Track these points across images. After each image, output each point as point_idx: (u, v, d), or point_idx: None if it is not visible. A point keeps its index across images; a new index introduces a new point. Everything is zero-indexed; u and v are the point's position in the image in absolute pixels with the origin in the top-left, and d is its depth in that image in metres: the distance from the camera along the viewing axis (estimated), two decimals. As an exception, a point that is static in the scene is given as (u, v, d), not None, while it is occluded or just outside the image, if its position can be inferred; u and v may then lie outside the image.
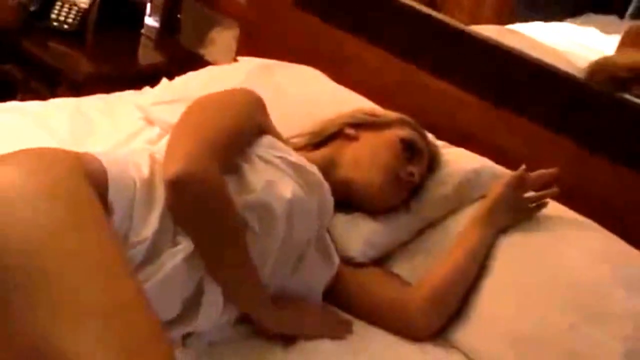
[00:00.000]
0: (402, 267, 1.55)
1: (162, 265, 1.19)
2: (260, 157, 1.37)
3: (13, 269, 1.02)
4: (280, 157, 1.39)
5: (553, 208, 1.58)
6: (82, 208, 1.09)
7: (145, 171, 1.26)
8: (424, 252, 1.56)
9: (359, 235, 1.53)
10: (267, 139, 1.43)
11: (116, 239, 1.12)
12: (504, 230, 1.52)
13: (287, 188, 1.34)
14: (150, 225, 1.20)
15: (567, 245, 1.50)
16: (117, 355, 0.98)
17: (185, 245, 1.21)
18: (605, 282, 1.41)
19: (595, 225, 1.55)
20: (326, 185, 1.44)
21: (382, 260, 1.56)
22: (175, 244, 1.21)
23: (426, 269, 1.50)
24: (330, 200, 1.45)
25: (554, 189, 1.56)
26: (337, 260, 1.47)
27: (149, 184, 1.25)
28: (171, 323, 1.22)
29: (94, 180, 1.16)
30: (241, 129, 1.39)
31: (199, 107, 1.40)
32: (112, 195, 1.18)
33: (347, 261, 1.51)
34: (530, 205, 1.56)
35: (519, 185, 1.54)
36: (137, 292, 1.06)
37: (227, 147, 1.31)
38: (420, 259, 1.55)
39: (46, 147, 1.25)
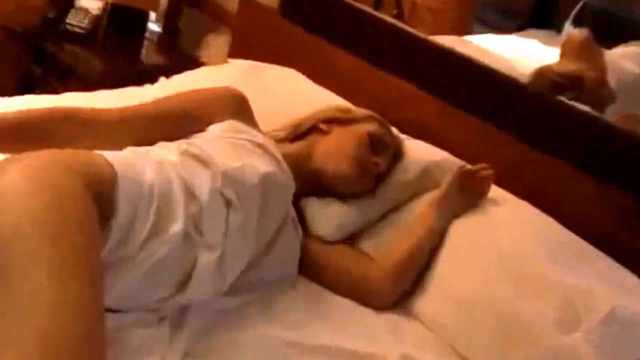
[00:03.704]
0: (368, 244, 1.55)
1: (154, 252, 1.13)
2: (225, 138, 1.35)
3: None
4: (246, 139, 1.37)
5: (499, 195, 1.59)
6: (66, 209, 0.99)
7: (165, 167, 1.21)
8: (387, 232, 1.55)
9: (331, 218, 1.53)
10: (232, 125, 1.40)
11: (89, 240, 1.01)
12: (457, 214, 1.51)
13: (259, 164, 1.33)
14: (150, 219, 1.14)
15: (509, 225, 1.50)
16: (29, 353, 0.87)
17: (176, 231, 1.16)
18: (539, 258, 1.42)
19: (534, 209, 1.55)
20: (284, 164, 1.41)
21: (351, 238, 1.55)
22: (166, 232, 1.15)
23: (386, 249, 1.50)
24: (291, 176, 1.42)
25: (490, 172, 1.55)
26: (301, 232, 1.45)
27: (165, 181, 1.19)
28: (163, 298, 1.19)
29: (97, 180, 1.09)
30: (181, 111, 1.41)
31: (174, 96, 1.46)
32: (119, 193, 1.11)
33: (318, 239, 1.51)
34: (476, 191, 1.55)
35: (464, 175, 1.53)
36: (81, 294, 0.95)
37: (147, 116, 1.37)
38: (384, 237, 1.54)
39: (54, 151, 1.14)
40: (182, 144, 1.33)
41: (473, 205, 1.54)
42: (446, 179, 1.55)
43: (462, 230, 1.50)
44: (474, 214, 1.53)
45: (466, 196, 1.54)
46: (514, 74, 1.74)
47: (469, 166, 1.56)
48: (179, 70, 2.00)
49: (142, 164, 1.20)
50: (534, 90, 1.70)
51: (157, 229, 1.15)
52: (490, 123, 1.70)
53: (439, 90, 1.77)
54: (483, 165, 1.56)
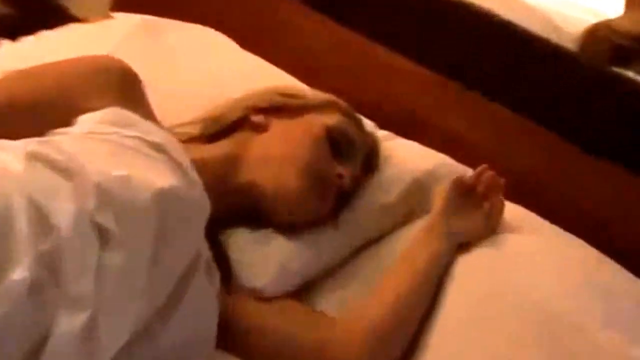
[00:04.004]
0: (328, 301, 1.58)
1: None
2: (102, 134, 1.37)
3: None
4: (135, 137, 1.38)
5: (523, 217, 1.65)
6: None
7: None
8: (357, 281, 1.59)
9: (270, 259, 1.55)
10: (114, 115, 1.41)
11: None
12: (462, 244, 1.58)
13: (155, 174, 1.33)
14: None
15: (537, 265, 1.55)
16: None
17: (18, 280, 1.16)
18: (587, 316, 1.45)
19: (575, 239, 1.61)
20: (195, 176, 1.43)
21: (301, 291, 1.58)
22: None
23: (359, 302, 1.52)
24: (205, 196, 1.42)
25: (490, 174, 1.61)
26: (217, 278, 1.44)
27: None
28: None
29: None
30: (33, 101, 1.44)
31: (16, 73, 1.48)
32: None
33: (251, 293, 1.54)
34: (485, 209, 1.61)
35: (463, 188, 1.60)
36: None
37: None
38: (352, 289, 1.58)
39: None
40: (30, 143, 1.32)
41: (486, 231, 1.60)
42: (436, 200, 1.61)
43: (467, 272, 1.55)
44: (483, 247, 1.58)
45: (473, 218, 1.60)
46: (555, 35, 1.78)
47: (470, 172, 1.63)
48: (34, 28, 2.02)
49: None
50: (587, 61, 1.75)
51: None
52: (518, 110, 1.76)
53: (438, 62, 1.82)
54: (483, 166, 1.61)
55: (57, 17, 2.29)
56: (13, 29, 2.05)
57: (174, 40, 2.00)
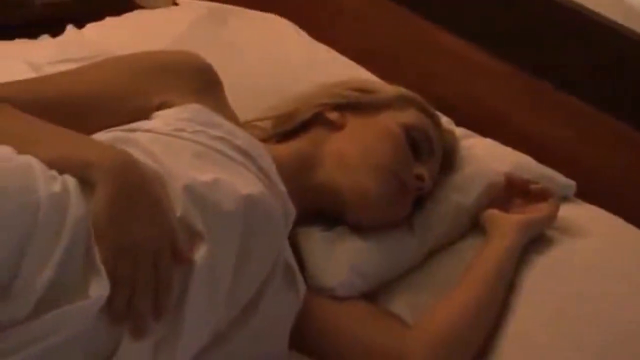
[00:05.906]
0: (402, 304, 1.58)
1: (53, 329, 1.11)
2: (182, 132, 1.36)
3: None
4: (220, 138, 1.38)
5: (598, 215, 1.66)
6: None
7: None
8: (433, 284, 1.59)
9: (343, 259, 1.55)
10: (196, 113, 1.41)
11: None
12: (533, 243, 1.58)
13: (240, 180, 1.33)
14: (48, 266, 1.12)
15: (617, 272, 1.55)
16: None
17: (98, 294, 1.13)
18: None
19: None
20: (279, 181, 1.43)
21: (374, 294, 1.58)
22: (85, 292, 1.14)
23: (429, 309, 1.52)
24: (289, 202, 1.43)
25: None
26: (303, 286, 1.45)
27: (62, 199, 1.18)
28: None
29: None
30: (105, 96, 1.44)
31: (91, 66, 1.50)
32: None
33: (323, 293, 1.53)
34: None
35: (516, 187, 1.64)
36: None
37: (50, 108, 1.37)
38: (427, 292, 1.58)
39: None
40: (112, 141, 1.32)
41: (550, 217, 1.62)
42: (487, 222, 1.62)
43: (540, 279, 1.55)
44: (556, 253, 1.59)
45: (531, 209, 1.62)
46: (624, 18, 1.74)
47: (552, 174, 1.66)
48: (96, 16, 2.03)
49: (33, 167, 1.19)
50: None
51: (64, 288, 1.13)
52: (599, 105, 1.73)
53: (516, 54, 1.81)
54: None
55: (120, 4, 2.26)
56: (78, 15, 2.06)
57: (240, 29, 2.00)
